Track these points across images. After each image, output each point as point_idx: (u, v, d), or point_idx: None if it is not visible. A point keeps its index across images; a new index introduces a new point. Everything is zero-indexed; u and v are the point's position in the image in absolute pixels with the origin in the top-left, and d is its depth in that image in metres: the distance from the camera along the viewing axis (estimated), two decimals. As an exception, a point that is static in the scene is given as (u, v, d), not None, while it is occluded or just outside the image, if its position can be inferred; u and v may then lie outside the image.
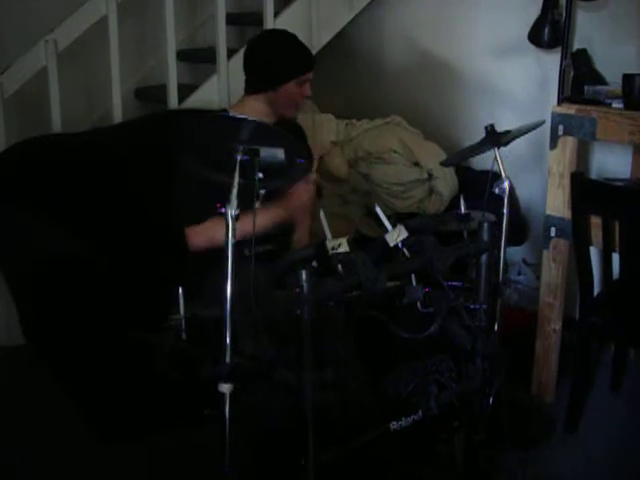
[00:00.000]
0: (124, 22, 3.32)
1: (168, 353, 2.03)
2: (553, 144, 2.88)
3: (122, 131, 3.08)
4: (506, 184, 2.34)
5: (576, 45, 3.28)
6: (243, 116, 1.86)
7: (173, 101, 3.44)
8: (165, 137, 2.20)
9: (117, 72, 3.27)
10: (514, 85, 3.64)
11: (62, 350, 2.45)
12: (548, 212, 2.95)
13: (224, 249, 1.81)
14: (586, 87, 2.96)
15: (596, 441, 2.82)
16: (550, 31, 3.22)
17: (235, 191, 1.82)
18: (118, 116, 3.31)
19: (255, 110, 2.64)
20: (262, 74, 2.67)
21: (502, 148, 2.40)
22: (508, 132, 2.46)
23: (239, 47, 3.46)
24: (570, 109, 2.84)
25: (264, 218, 2.46)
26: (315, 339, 1.86)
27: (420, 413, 2.09)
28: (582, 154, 3.18)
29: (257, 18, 3.61)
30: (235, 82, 3.22)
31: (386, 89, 4.17)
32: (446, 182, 3.56)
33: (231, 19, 3.70)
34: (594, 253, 2.77)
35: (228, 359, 1.81)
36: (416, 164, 3.60)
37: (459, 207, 2.33)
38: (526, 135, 2.51)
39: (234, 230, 1.80)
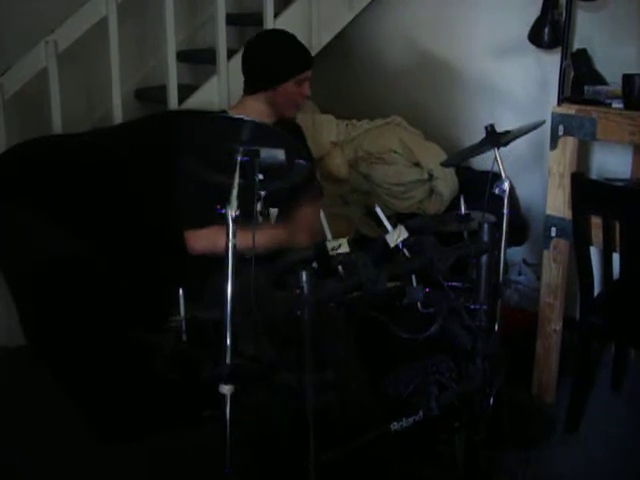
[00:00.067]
0: (124, 23, 3.32)
1: (168, 354, 2.03)
2: (553, 144, 2.88)
3: (122, 132, 3.09)
4: (506, 184, 2.34)
5: (576, 45, 3.28)
6: (243, 117, 1.86)
7: (173, 102, 3.44)
8: (165, 138, 2.20)
9: (117, 73, 3.27)
10: (514, 85, 3.64)
11: (62, 350, 2.45)
12: (548, 212, 2.95)
13: (225, 251, 1.81)
14: (586, 87, 2.96)
15: (597, 441, 2.82)
16: (550, 31, 3.22)
17: (235, 192, 1.82)
18: (118, 117, 3.32)
19: (255, 110, 2.64)
20: (260, 74, 2.67)
21: (502, 148, 2.40)
22: (508, 132, 2.46)
23: (239, 48, 3.45)
24: (570, 109, 2.84)
25: (266, 237, 2.47)
26: (315, 340, 1.86)
27: (421, 413, 2.09)
28: (582, 154, 3.18)
29: (257, 19, 3.61)
30: (235, 83, 3.22)
31: (386, 89, 4.17)
32: (446, 182, 3.56)
33: (231, 20, 3.70)
34: (594, 253, 2.77)
35: (228, 360, 1.81)
36: (416, 164, 3.60)
37: (459, 207, 2.33)
38: (526, 135, 2.51)
39: (234, 232, 1.80)
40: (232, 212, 1.80)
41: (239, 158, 1.83)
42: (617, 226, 2.62)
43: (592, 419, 2.90)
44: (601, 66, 3.23)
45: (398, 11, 4.06)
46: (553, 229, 2.94)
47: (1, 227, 2.59)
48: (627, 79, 2.78)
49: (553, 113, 2.87)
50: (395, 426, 2.04)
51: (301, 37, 2.76)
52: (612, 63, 3.16)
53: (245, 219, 1.84)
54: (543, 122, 2.55)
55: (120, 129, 3.14)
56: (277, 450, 2.03)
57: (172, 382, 2.10)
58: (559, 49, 3.06)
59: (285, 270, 1.99)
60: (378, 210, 2.22)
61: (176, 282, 1.94)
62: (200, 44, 4.47)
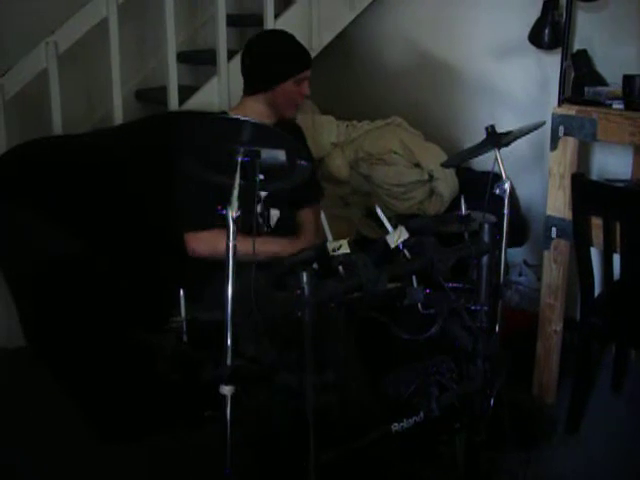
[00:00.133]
0: (124, 24, 3.32)
1: (169, 355, 2.03)
2: (554, 145, 2.88)
3: (122, 133, 3.09)
4: (507, 185, 2.34)
5: (576, 46, 3.28)
6: (244, 117, 1.86)
7: (173, 103, 3.44)
8: (165, 139, 2.21)
9: (117, 74, 3.27)
10: (514, 86, 3.64)
11: (62, 351, 2.45)
12: (549, 213, 2.95)
13: (225, 252, 1.81)
14: (586, 88, 2.96)
15: (597, 442, 2.82)
16: (550, 32, 3.22)
17: (236, 193, 1.82)
18: (119, 118, 3.32)
19: (255, 111, 2.64)
20: (259, 74, 2.67)
21: (503, 149, 2.39)
22: (509, 133, 2.46)
23: (239, 49, 3.44)
24: (570, 110, 2.84)
25: (268, 247, 2.47)
26: (316, 341, 1.86)
27: (421, 414, 2.09)
28: (583, 155, 3.18)
29: (257, 19, 3.61)
30: (235, 84, 3.22)
31: (387, 90, 4.17)
32: (447, 183, 3.56)
33: (231, 20, 3.69)
34: (595, 254, 2.76)
35: (229, 361, 1.81)
36: (417, 165, 3.60)
37: (460, 208, 2.33)
38: (526, 136, 2.51)
39: (235, 233, 1.81)
40: (233, 213, 1.80)
41: (240, 159, 1.83)
42: (617, 227, 2.62)
43: (592, 420, 2.90)
44: (601, 67, 3.23)
45: (398, 12, 4.06)
46: (553, 230, 2.94)
47: (1, 227, 2.60)
48: (627, 80, 2.78)
49: (553, 114, 2.87)
50: (395, 427, 2.04)
51: (301, 38, 2.76)
52: (612, 64, 3.17)
53: (246, 222, 1.84)
54: (543, 123, 2.55)
55: (120, 130, 3.15)
56: (277, 450, 2.03)
57: (173, 383, 2.10)
58: (559, 50, 3.06)
59: (286, 271, 2.00)
60: (378, 211, 2.22)
61: (177, 283, 1.94)
62: (200, 45, 4.47)
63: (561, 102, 2.95)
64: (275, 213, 2.68)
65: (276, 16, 3.58)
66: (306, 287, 1.82)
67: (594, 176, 3.38)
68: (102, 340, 2.40)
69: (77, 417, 2.46)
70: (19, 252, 2.56)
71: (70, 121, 3.24)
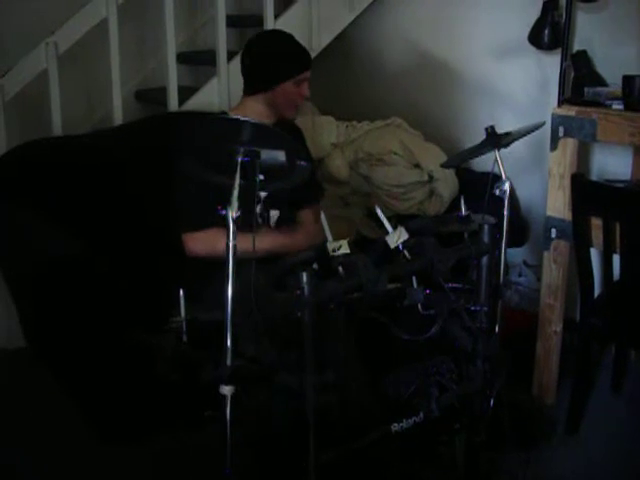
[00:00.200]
0: (124, 24, 3.32)
1: (169, 355, 2.03)
2: (553, 145, 2.88)
3: (122, 133, 3.09)
4: (506, 185, 2.34)
5: (576, 46, 3.28)
6: (243, 118, 1.86)
7: (173, 103, 3.44)
8: (165, 139, 2.21)
9: (117, 74, 3.27)
10: (514, 86, 3.64)
11: (62, 351, 2.45)
12: (549, 213, 2.95)
13: (223, 254, 1.81)
14: (586, 88, 2.96)
15: (597, 442, 2.81)
16: (550, 32, 3.22)
17: (236, 193, 1.82)
18: (118, 118, 3.32)
19: (254, 111, 2.64)
20: (259, 74, 2.67)
21: (502, 150, 2.40)
22: (508, 134, 2.46)
23: (239, 49, 3.44)
24: (570, 110, 2.84)
25: (267, 242, 2.47)
26: (316, 341, 1.86)
27: (421, 415, 2.09)
28: (582, 155, 3.18)
29: (257, 20, 3.61)
30: (235, 84, 3.22)
31: (386, 91, 4.18)
32: (446, 184, 3.56)
33: (231, 21, 3.70)
34: (595, 254, 2.76)
35: (229, 362, 1.81)
36: (416, 166, 3.60)
37: (460, 209, 2.33)
38: (526, 137, 2.51)
39: (235, 233, 1.81)
40: (233, 213, 1.80)
41: (240, 159, 1.83)
42: (617, 227, 2.62)
43: (592, 420, 2.90)
44: (601, 67, 3.23)
45: (398, 12, 4.07)
46: (553, 230, 2.94)
47: (1, 228, 2.60)
48: (627, 80, 2.78)
49: (553, 114, 2.87)
50: (395, 427, 2.04)
51: (301, 38, 2.76)
52: (612, 64, 3.17)
53: (245, 222, 1.84)
54: (543, 123, 2.55)
55: (120, 131, 3.15)
56: (277, 450, 2.03)
57: (173, 383, 2.10)
58: (559, 50, 3.06)
59: (285, 271, 2.00)
60: (378, 211, 2.23)
61: (176, 283, 1.94)
62: (200, 46, 4.47)
63: (561, 103, 2.95)
64: (275, 213, 2.69)
65: (276, 17, 3.59)
66: (306, 287, 1.82)
67: (594, 177, 3.38)
68: (102, 340, 2.40)
69: (77, 417, 2.46)
70: (19, 252, 2.56)
71: (70, 122, 3.24)
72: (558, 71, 3.01)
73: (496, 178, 2.36)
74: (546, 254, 2.99)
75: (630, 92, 2.76)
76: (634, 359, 3.27)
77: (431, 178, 3.57)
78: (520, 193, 3.64)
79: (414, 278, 2.10)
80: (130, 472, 2.51)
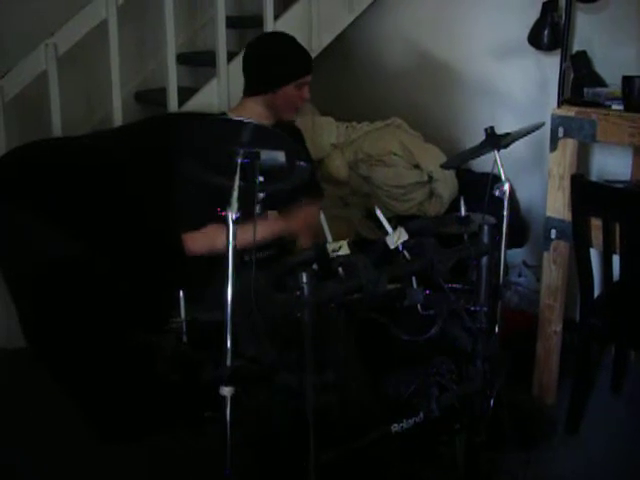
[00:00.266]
0: (124, 25, 3.32)
1: (169, 356, 2.03)
2: (553, 146, 2.88)
3: (122, 134, 3.09)
4: (506, 186, 2.34)
5: (576, 47, 3.28)
6: (243, 119, 1.86)
7: (173, 104, 3.44)
8: (165, 140, 2.21)
9: (117, 75, 3.27)
10: (514, 87, 3.64)
11: (62, 352, 2.45)
12: (548, 214, 2.95)
13: (225, 253, 1.81)
14: (586, 89, 2.96)
15: (597, 443, 2.82)
16: (550, 33, 3.22)
17: (236, 194, 1.82)
18: (118, 119, 3.32)
19: (254, 113, 2.64)
20: (261, 76, 2.67)
21: (502, 150, 2.40)
22: (508, 134, 2.46)
23: (239, 50, 3.46)
24: (570, 111, 2.84)
25: (264, 229, 2.47)
26: (316, 341, 1.86)
27: (421, 415, 2.09)
28: (582, 156, 3.18)
29: (257, 21, 3.62)
30: (235, 85, 3.22)
31: (386, 91, 4.18)
32: (446, 184, 3.56)
33: (231, 22, 3.70)
34: (594, 255, 2.76)
35: (229, 362, 1.81)
36: (416, 166, 3.60)
37: (459, 209, 2.33)
38: (526, 137, 2.51)
39: (235, 234, 1.81)
40: (233, 214, 1.80)
41: (239, 160, 1.83)
42: (617, 228, 2.62)
43: (592, 420, 2.90)
44: (601, 68, 3.23)
45: (398, 13, 4.07)
46: (553, 231, 2.94)
47: (1, 229, 2.60)
48: (627, 81, 2.78)
49: (553, 115, 2.87)
50: (395, 427, 2.04)
51: (301, 39, 2.76)
52: (612, 65, 3.17)
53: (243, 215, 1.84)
54: (543, 124, 2.55)
55: (120, 132, 3.15)
56: (277, 451, 2.03)
57: (173, 383, 2.10)
58: (559, 51, 3.07)
59: (285, 272, 2.00)
60: (378, 212, 2.23)
61: (176, 284, 1.94)
62: (200, 47, 4.48)
63: (560, 103, 2.95)
64: (273, 213, 2.68)
65: (275, 18, 3.59)
66: (306, 288, 1.82)
67: (593, 177, 3.38)
68: (102, 341, 2.40)
69: (77, 417, 2.47)
70: (19, 253, 2.56)
71: (69, 123, 3.24)
72: (558, 72, 3.01)
73: (496, 179, 2.36)
74: (546, 255, 3.00)
75: (630, 92, 2.76)
76: (634, 359, 3.27)
77: (431, 179, 3.58)
78: (520, 194, 3.64)
79: (414, 279, 2.10)
80: (130, 472, 2.51)
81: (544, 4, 3.23)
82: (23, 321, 2.54)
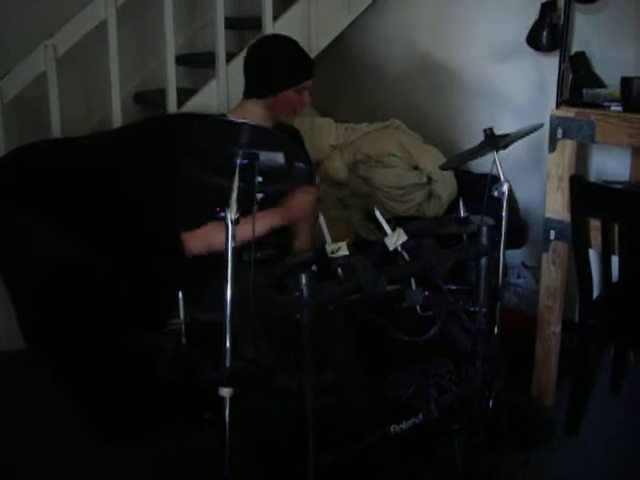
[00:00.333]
0: (123, 26, 3.32)
1: (168, 357, 2.03)
2: (552, 147, 2.88)
3: (121, 135, 3.09)
4: (505, 187, 2.35)
5: (574, 48, 3.28)
6: (242, 120, 1.86)
7: (172, 105, 3.44)
8: (164, 141, 2.21)
9: (116, 76, 3.27)
10: (513, 88, 3.64)
11: (62, 353, 2.45)
12: (547, 215, 2.95)
13: (224, 253, 1.81)
14: (585, 90, 2.96)
15: (596, 443, 2.82)
16: (548, 34, 3.23)
17: (235, 195, 1.82)
18: (117, 120, 3.32)
19: (253, 114, 2.64)
20: (261, 80, 2.67)
21: (501, 151, 2.40)
22: (507, 135, 2.46)
23: (238, 51, 3.47)
24: (569, 112, 2.84)
25: (262, 222, 2.47)
26: (315, 343, 1.86)
27: (420, 416, 2.09)
28: (581, 157, 3.18)
29: (256, 22, 3.61)
30: (234, 86, 3.23)
31: (385, 92, 4.18)
32: (445, 185, 3.56)
33: (230, 23, 3.70)
34: (593, 256, 2.77)
35: (228, 363, 1.81)
36: (415, 168, 3.60)
37: (458, 210, 2.33)
38: (525, 138, 2.51)
39: (234, 234, 1.81)
40: (232, 215, 1.80)
41: (239, 161, 1.84)
42: (616, 229, 2.62)
43: (591, 421, 2.90)
44: (599, 69, 3.23)
45: (397, 14, 4.07)
46: (552, 232, 2.94)
47: (0, 230, 2.60)
48: (625, 82, 2.78)
49: (552, 116, 2.87)
50: (394, 428, 2.04)
51: (300, 40, 2.75)
52: (610, 66, 3.17)
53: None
54: (542, 125, 2.55)
55: (119, 133, 3.15)
56: (276, 452, 2.03)
57: (172, 384, 2.10)
58: (557, 52, 3.07)
59: (285, 273, 2.00)
60: (377, 213, 2.23)
61: (176, 285, 1.94)
62: (199, 48, 4.48)
63: (559, 104, 2.95)
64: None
65: (275, 19, 3.58)
66: (305, 289, 1.82)
67: (592, 178, 3.38)
68: (102, 342, 2.40)
69: (77, 418, 2.46)
70: (18, 254, 2.56)
71: (69, 124, 3.24)
72: (556, 73, 3.01)
73: (495, 180, 2.36)
74: (545, 255, 3.00)
75: (628, 93, 2.76)
76: (633, 360, 3.27)
77: (430, 180, 3.58)
78: (519, 194, 3.64)
79: (413, 280, 2.10)
80: (130, 473, 2.51)
81: (543, 5, 3.23)
82: (22, 322, 2.54)
